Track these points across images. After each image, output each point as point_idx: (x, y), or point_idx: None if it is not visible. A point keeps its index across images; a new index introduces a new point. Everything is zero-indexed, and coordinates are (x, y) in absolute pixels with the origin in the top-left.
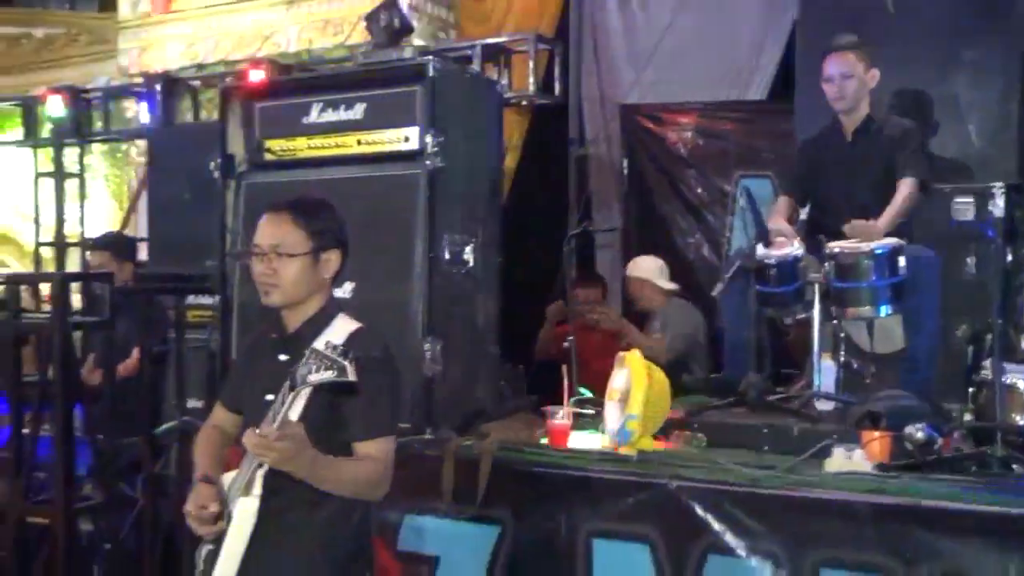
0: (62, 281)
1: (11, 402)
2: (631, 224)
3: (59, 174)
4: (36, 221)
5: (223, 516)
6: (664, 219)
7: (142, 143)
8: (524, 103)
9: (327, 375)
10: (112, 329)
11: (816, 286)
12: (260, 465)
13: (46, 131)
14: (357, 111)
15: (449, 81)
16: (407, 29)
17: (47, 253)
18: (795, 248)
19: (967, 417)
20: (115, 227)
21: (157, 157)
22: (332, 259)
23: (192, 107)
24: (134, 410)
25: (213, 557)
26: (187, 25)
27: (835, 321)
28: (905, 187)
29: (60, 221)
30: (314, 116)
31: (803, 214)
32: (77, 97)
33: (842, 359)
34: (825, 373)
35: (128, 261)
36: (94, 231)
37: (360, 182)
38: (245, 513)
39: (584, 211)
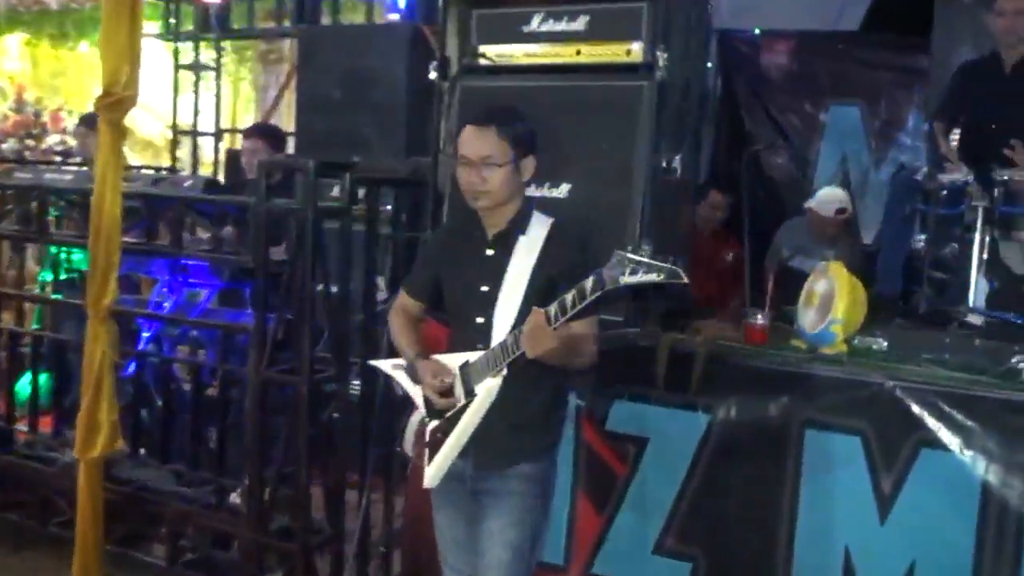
0: (316, 168)
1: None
2: (721, 140)
3: (196, 67)
4: (174, 113)
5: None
6: (753, 139)
7: (267, 44)
8: None
9: (651, 276)
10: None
11: (980, 209)
12: (512, 352)
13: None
14: (580, 22)
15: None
16: None
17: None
18: (964, 173)
19: None
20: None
21: (307, 57)
22: (529, 165)
23: (332, 9)
24: None
25: (446, 426)
26: None
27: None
28: None
29: (196, 113)
30: (534, 25)
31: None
32: None
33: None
34: (977, 291)
35: (279, 151)
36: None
37: (577, 91)
38: (490, 390)
39: None
